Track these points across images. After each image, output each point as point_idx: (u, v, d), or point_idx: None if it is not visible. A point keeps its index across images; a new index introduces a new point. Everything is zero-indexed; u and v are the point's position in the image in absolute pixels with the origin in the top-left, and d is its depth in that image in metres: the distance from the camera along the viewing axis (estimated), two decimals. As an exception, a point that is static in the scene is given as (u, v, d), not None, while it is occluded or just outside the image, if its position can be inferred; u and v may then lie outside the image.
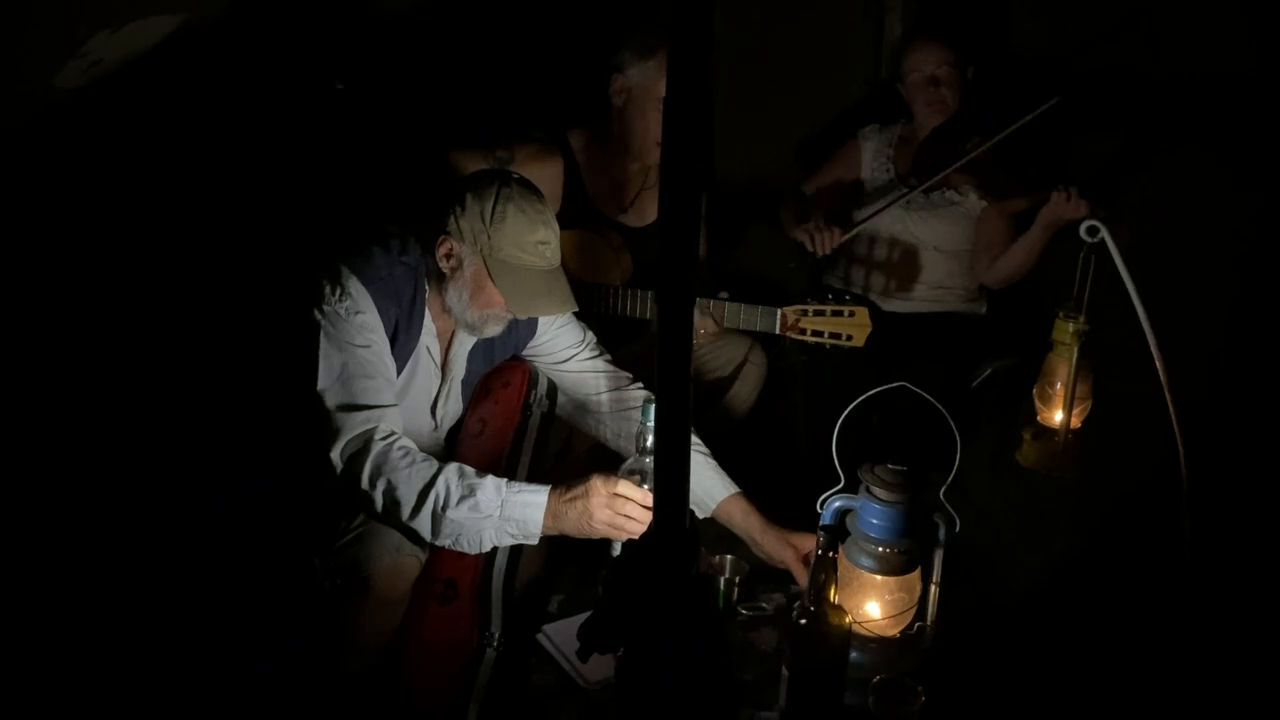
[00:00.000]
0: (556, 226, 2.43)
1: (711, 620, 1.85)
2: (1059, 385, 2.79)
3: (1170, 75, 3.55)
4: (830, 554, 1.99)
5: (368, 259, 2.36)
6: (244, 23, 2.82)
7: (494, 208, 2.33)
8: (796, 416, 3.64)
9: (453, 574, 2.42)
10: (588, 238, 3.22)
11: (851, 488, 2.28)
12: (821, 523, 2.28)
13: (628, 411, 2.68)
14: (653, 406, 2.22)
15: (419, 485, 2.21)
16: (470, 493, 2.21)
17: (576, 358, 2.73)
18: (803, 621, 2.00)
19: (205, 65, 2.90)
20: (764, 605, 2.49)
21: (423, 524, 2.22)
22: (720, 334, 3.21)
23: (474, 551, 2.26)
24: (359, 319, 2.30)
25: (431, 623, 2.42)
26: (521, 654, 2.43)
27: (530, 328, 2.68)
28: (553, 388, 2.76)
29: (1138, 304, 2.46)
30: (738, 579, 2.51)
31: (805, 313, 3.06)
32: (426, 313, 2.46)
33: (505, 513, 2.21)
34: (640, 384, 2.74)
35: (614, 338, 3.31)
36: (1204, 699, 2.49)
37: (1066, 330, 2.70)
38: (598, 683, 2.21)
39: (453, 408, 2.63)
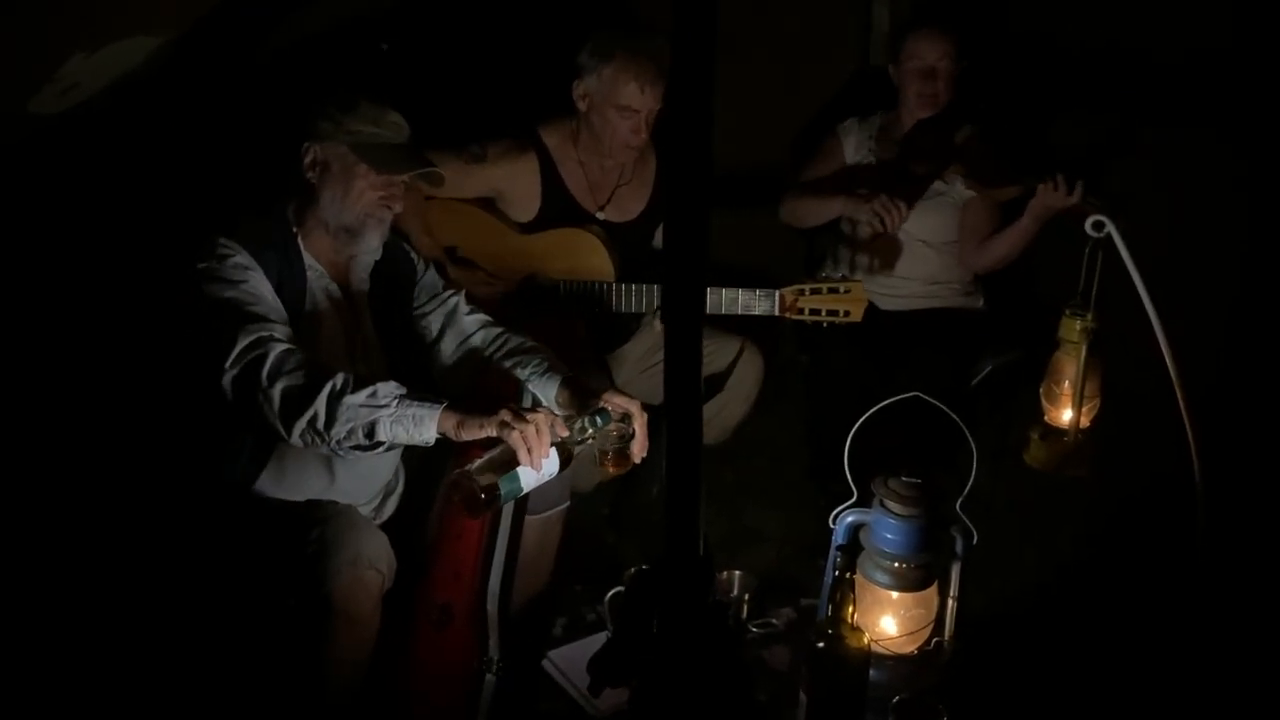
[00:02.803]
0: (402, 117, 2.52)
1: (729, 650, 1.78)
2: (1067, 384, 2.70)
3: (1158, 55, 3.52)
4: (848, 574, 1.93)
5: (232, 221, 2.41)
6: (222, 44, 2.74)
7: (344, 100, 2.46)
8: (799, 419, 3.57)
9: (447, 598, 2.37)
10: (577, 234, 3.20)
11: (864, 501, 2.21)
12: (836, 541, 2.21)
13: (510, 355, 2.64)
14: (600, 418, 2.27)
15: (317, 375, 2.17)
16: (369, 385, 2.17)
17: (452, 297, 2.73)
18: (820, 644, 1.95)
19: (186, 86, 2.81)
20: (774, 621, 2.43)
21: (319, 411, 2.13)
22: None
23: (364, 442, 2.16)
24: (231, 260, 2.32)
25: (428, 648, 2.36)
26: (523, 678, 2.37)
27: (410, 268, 2.69)
28: (536, 401, 2.70)
29: (1147, 300, 2.40)
30: (746, 595, 2.45)
31: (803, 292, 3.03)
32: (306, 255, 2.48)
33: (402, 405, 2.15)
34: (520, 337, 2.69)
35: (608, 338, 3.29)
36: (1222, 700, 2.46)
37: (1074, 328, 2.61)
38: (609, 710, 2.15)
39: (375, 359, 2.58)
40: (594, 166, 3.25)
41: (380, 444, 2.17)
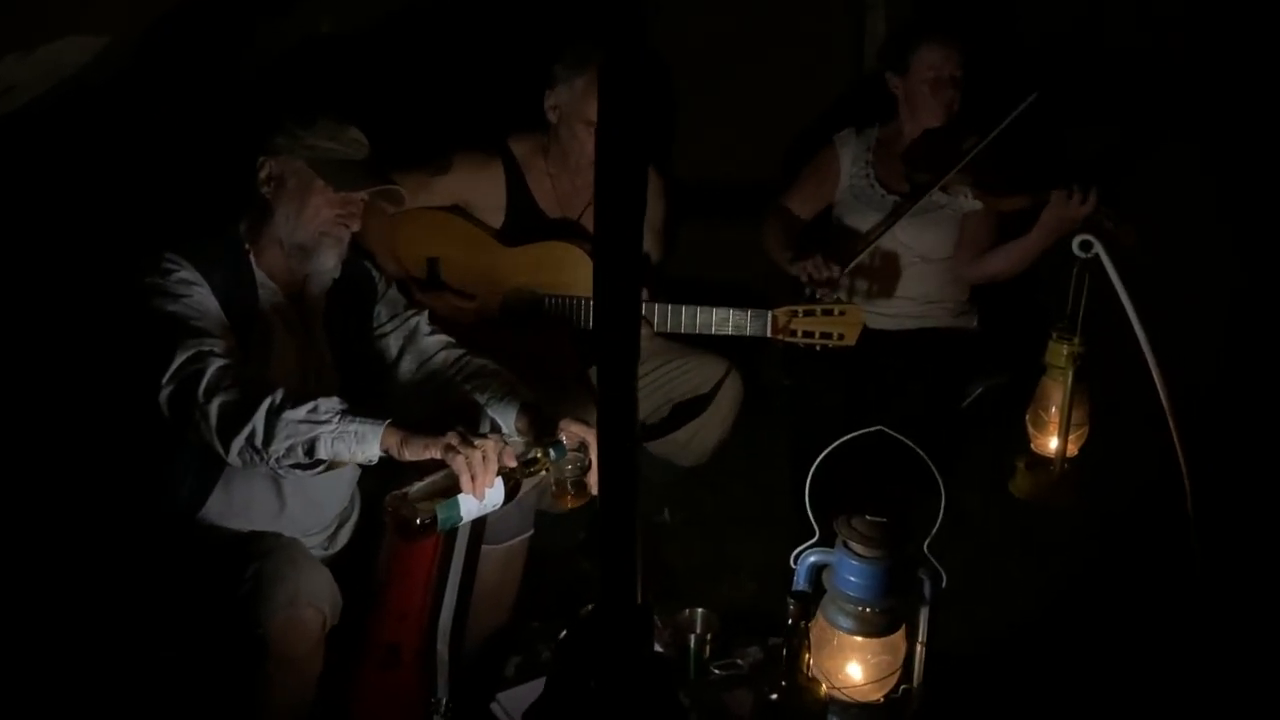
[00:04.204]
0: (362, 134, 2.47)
1: (670, 705, 1.68)
2: (1053, 410, 2.60)
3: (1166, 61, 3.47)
4: (803, 623, 1.82)
5: (178, 237, 2.34)
6: (165, 48, 2.66)
7: (304, 117, 2.40)
8: (782, 443, 3.47)
9: (395, 638, 2.30)
10: (564, 248, 3.12)
11: (827, 541, 2.10)
12: (796, 584, 2.10)
13: (470, 378, 2.56)
14: (556, 449, 2.17)
15: (255, 391, 2.10)
16: (311, 399, 2.10)
17: (414, 317, 2.65)
18: (774, 696, 1.84)
19: (136, 93, 2.74)
20: (739, 662, 2.33)
21: (256, 426, 2.06)
22: (651, 338, 3.08)
23: (304, 461, 2.08)
24: (176, 275, 2.26)
25: (372, 691, 2.29)
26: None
27: (370, 288, 2.62)
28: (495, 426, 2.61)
29: (1136, 325, 2.29)
30: (709, 635, 2.34)
31: (796, 313, 2.97)
32: (258, 273, 2.41)
33: (344, 422, 2.08)
34: (482, 360, 2.60)
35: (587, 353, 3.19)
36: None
37: (1060, 353, 2.51)
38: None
39: (328, 380, 2.50)
40: (564, 181, 3.17)
41: (321, 462, 2.09)
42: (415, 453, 2.07)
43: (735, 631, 2.48)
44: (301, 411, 2.07)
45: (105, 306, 2.34)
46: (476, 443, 2.06)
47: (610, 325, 1.19)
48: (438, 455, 2.06)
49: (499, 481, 2.08)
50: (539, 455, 2.16)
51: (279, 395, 2.08)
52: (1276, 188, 3.29)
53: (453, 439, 2.05)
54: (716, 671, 2.30)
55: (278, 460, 2.07)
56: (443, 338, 2.63)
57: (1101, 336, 2.45)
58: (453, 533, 2.29)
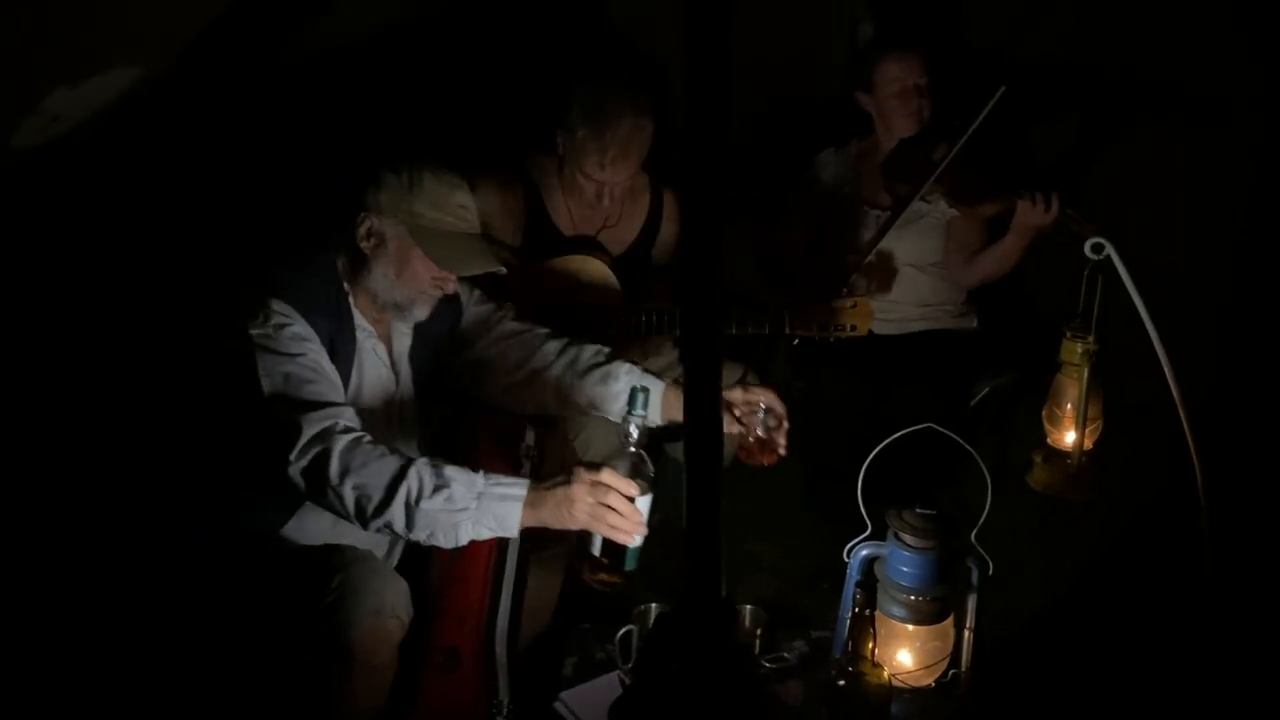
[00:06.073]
0: (472, 197, 2.42)
1: (751, 694, 1.75)
2: (1069, 406, 2.69)
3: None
4: (867, 611, 1.90)
5: (282, 279, 2.31)
6: (199, 74, 2.70)
7: (410, 176, 2.33)
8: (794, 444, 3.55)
9: (454, 641, 2.33)
10: (585, 261, 3.18)
11: (878, 534, 2.19)
12: (851, 575, 2.18)
13: (575, 362, 2.59)
14: (641, 395, 2.16)
15: (389, 477, 2.10)
16: (445, 484, 2.09)
17: (504, 319, 2.66)
18: (841, 682, 1.92)
19: (167, 116, 2.78)
20: (786, 655, 2.40)
21: (395, 518, 2.09)
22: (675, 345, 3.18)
23: (449, 545, 2.12)
24: (289, 330, 2.24)
25: (435, 694, 2.31)
26: (534, 720, 2.34)
27: (454, 310, 2.61)
28: (540, 438, 2.65)
29: (1149, 324, 2.38)
30: (758, 630, 2.42)
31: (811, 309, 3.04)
32: (356, 314, 2.41)
33: (482, 505, 2.09)
34: (591, 345, 2.64)
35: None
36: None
37: (1075, 351, 2.58)
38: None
39: (409, 411, 2.55)
40: (582, 206, 3.23)
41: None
42: (558, 524, 2.09)
43: (778, 628, 2.54)
44: (439, 500, 2.08)
45: (201, 345, 2.36)
46: (611, 502, 2.05)
47: (696, 331, 1.25)
48: (578, 526, 2.08)
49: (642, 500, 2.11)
50: (639, 422, 2.17)
51: (414, 484, 2.08)
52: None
53: (583, 512, 2.06)
54: (767, 665, 2.37)
55: (420, 542, 2.13)
56: (542, 330, 2.63)
57: (1110, 328, 2.53)
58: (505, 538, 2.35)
